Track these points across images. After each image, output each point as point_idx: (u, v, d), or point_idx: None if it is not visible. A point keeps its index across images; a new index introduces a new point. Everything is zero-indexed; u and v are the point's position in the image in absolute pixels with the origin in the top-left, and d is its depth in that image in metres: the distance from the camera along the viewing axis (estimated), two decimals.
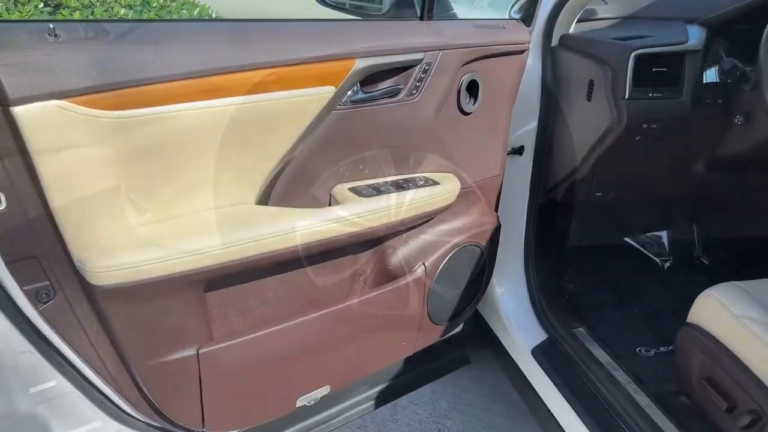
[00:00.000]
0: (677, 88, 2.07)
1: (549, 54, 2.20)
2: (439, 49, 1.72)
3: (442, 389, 2.71)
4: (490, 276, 2.16)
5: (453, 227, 1.96)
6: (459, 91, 1.84)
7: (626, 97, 1.98)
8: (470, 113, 1.90)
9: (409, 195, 1.75)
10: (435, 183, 1.83)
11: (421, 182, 1.81)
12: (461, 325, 2.28)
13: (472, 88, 1.89)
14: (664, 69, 2.01)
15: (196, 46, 1.34)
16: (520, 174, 2.32)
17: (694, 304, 1.67)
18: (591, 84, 2.07)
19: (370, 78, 1.62)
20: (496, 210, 2.17)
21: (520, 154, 2.32)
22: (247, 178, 1.55)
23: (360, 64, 1.56)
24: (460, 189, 1.92)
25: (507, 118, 2.04)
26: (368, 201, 1.67)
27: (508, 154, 2.27)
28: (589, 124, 2.10)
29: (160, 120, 1.32)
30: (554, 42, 2.19)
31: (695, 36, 2.08)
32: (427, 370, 2.34)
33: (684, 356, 1.71)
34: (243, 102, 1.41)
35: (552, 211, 2.39)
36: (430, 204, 1.80)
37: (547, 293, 2.34)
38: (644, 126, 2.04)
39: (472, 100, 1.90)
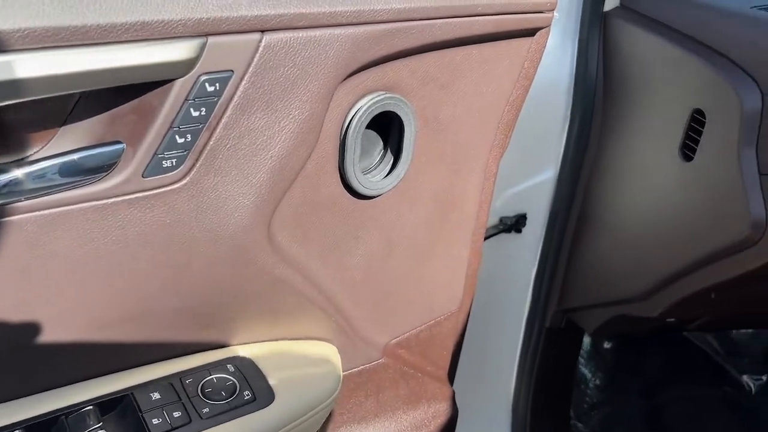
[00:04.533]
0: None
1: (597, 31, 1.00)
2: (264, 30, 0.54)
3: None
4: None
5: None
6: (344, 141, 0.66)
7: None
8: (376, 195, 0.73)
9: None
10: (262, 388, 0.68)
11: (218, 393, 0.66)
12: None
13: (388, 127, 0.71)
14: None
15: None
16: (514, 271, 1.17)
17: None
18: (697, 119, 0.87)
19: None
20: (452, 373, 1.01)
21: (518, 230, 1.15)
22: None
23: None
24: (354, 369, 0.78)
25: (486, 173, 0.87)
26: None
27: (488, 237, 1.10)
28: (683, 214, 0.92)
29: None
30: (609, 5, 0.99)
31: None
32: None
33: None
34: None
35: (573, 345, 1.24)
36: None
37: None
38: None
39: (387, 156, 0.73)
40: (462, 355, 1.22)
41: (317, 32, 0.57)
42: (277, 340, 0.74)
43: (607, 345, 1.57)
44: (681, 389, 1.68)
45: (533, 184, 1.12)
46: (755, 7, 0.87)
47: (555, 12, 0.81)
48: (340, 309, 0.76)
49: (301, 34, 0.57)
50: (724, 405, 1.71)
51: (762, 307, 1.07)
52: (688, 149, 0.87)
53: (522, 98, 0.84)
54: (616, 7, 1.01)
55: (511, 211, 1.14)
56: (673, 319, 1.13)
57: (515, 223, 1.14)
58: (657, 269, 0.95)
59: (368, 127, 0.72)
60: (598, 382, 1.59)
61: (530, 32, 0.78)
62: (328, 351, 0.76)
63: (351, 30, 0.59)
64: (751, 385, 1.73)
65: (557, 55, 1.06)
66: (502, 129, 0.84)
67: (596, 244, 1.06)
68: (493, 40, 0.75)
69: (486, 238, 1.13)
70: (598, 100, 1.01)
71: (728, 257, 0.86)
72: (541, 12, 0.77)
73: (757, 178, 0.79)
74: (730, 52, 0.82)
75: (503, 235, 1.15)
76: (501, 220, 1.14)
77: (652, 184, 0.94)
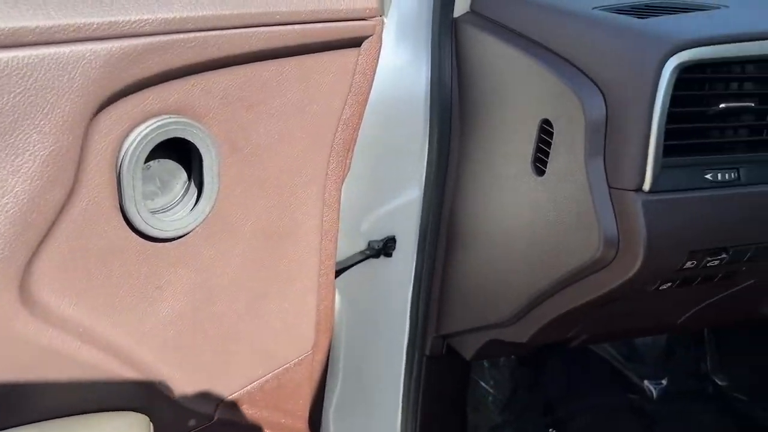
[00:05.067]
0: None
1: (448, 39, 0.94)
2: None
3: None
4: None
5: None
6: (120, 176, 0.56)
7: (647, 187, 0.74)
8: (175, 236, 0.63)
9: None
10: None
11: None
12: None
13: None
14: (750, 104, 0.78)
15: None
16: (388, 298, 1.09)
17: None
18: (546, 130, 0.82)
19: None
20: (315, 421, 0.92)
21: (387, 254, 1.07)
22: None
23: None
24: None
25: (326, 200, 0.79)
26: None
27: (343, 270, 1.03)
28: (538, 233, 0.86)
29: None
30: (459, 11, 0.93)
31: None
32: None
33: None
34: None
35: (457, 372, 1.18)
36: None
37: None
38: (688, 264, 0.81)
39: (191, 189, 0.63)
40: (339, 395, 1.13)
41: (53, 50, 0.47)
42: (70, 415, 0.63)
43: (503, 361, 1.52)
44: (584, 399, 1.65)
45: (399, 204, 1.04)
46: (597, 8, 0.83)
47: (383, 18, 0.74)
48: (147, 371, 0.65)
49: (31, 52, 0.46)
50: (627, 412, 1.69)
51: (634, 322, 1.03)
52: (540, 163, 0.82)
53: (358, 116, 0.76)
54: (467, 13, 0.95)
55: (379, 235, 1.06)
56: (548, 342, 1.07)
57: (384, 247, 1.06)
58: (520, 292, 0.88)
59: (167, 156, 0.62)
60: (498, 402, 1.53)
61: (355, 42, 0.70)
62: (134, 422, 0.64)
63: (102, 46, 0.49)
64: (653, 390, 1.72)
65: (412, 67, 0.98)
66: (338, 151, 0.75)
67: (465, 266, 0.99)
68: (309, 53, 0.66)
69: (353, 265, 1.05)
70: (455, 113, 0.95)
71: (586, 278, 0.80)
72: (363, 19, 0.69)
73: (607, 191, 0.74)
74: (572, 56, 0.77)
75: (373, 261, 1.07)
76: (369, 244, 1.06)
77: (509, 200, 0.88)
